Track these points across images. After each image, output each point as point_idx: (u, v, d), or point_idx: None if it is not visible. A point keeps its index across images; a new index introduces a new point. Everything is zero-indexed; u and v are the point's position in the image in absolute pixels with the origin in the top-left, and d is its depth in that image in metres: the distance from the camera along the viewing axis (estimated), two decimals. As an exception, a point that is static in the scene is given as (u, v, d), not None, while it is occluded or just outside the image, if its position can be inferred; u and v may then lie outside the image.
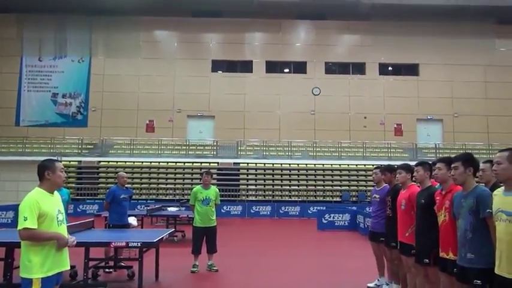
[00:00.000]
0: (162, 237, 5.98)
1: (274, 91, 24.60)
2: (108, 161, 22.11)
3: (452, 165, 3.63)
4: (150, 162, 22.05)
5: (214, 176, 20.53)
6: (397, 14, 24.52)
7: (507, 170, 2.97)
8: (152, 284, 6.31)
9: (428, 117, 24.90)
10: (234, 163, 22.20)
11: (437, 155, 21.62)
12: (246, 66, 25.29)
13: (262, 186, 21.76)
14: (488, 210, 3.15)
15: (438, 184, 4.30)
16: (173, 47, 25.10)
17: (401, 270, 5.31)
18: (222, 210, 18.35)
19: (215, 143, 23.31)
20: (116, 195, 7.40)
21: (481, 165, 4.01)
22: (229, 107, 24.22)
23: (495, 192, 3.15)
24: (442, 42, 25.30)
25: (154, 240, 5.66)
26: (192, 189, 7.75)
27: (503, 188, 3.07)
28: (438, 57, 24.97)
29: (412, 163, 5.12)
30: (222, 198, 19.02)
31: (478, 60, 24.98)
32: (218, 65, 25.39)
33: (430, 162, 4.76)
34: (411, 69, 25.54)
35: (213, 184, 7.80)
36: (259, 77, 24.92)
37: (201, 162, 21.96)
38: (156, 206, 13.58)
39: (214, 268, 7.25)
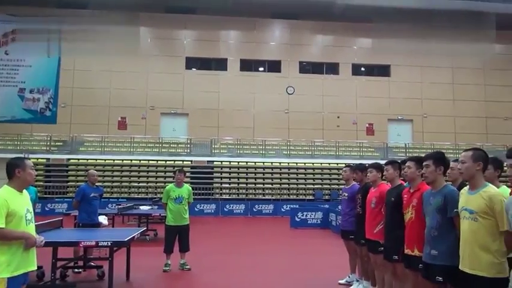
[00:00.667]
0: (134, 236, 5.89)
1: (248, 89, 24.63)
2: (78, 159, 21.58)
3: (424, 163, 3.71)
4: (122, 160, 21.66)
5: (188, 174, 20.37)
6: (370, 16, 24.99)
7: (471, 169, 3.09)
8: (123, 284, 6.21)
9: (399, 117, 25.53)
10: (207, 161, 22.10)
11: (407, 154, 22.18)
12: (220, 64, 25.19)
13: (236, 185, 21.76)
14: (455, 210, 3.25)
15: (407, 182, 4.41)
16: (146, 43, 24.70)
17: (370, 267, 5.43)
18: (195, 209, 18.25)
19: (189, 141, 23.13)
20: (86, 193, 7.24)
21: (452, 164, 4.14)
22: (204, 105, 24.08)
23: (461, 191, 3.27)
24: (413, 45, 25.94)
25: (125, 239, 5.57)
26: (165, 187, 7.68)
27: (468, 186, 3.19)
28: (409, 59, 25.62)
29: (383, 162, 5.23)
30: (196, 197, 18.95)
31: (446, 63, 25.79)
32: (192, 62, 25.18)
33: (400, 161, 4.88)
34: (383, 70, 26.11)
35: (186, 182, 7.76)
36: (234, 75, 24.89)
37: (175, 160, 21.74)
38: (128, 205, 13.37)
39: (187, 267, 7.21)
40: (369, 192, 5.20)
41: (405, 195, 4.16)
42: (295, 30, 25.48)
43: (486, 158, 3.14)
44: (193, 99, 24.17)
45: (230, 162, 22.26)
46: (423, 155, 3.89)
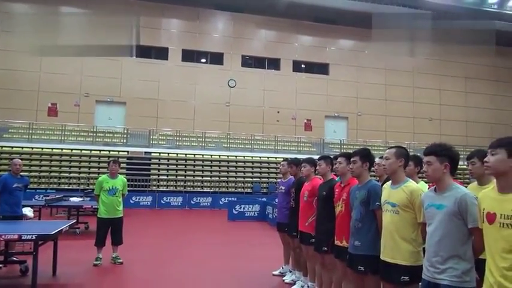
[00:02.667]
0: (61, 229, 5.61)
1: (189, 80, 24.27)
2: (2, 146, 19.96)
3: (351, 159, 3.91)
4: (52, 148, 20.37)
5: (124, 165, 19.71)
6: (312, 15, 25.71)
7: (393, 165, 3.31)
8: (49, 280, 5.89)
9: (336, 114, 26.56)
10: (145, 152, 21.50)
11: (342, 150, 23.16)
12: (161, 53, 24.53)
13: (174, 177, 21.41)
14: (377, 203, 3.47)
15: (338, 177, 4.62)
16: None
17: (302, 258, 5.63)
18: (130, 201, 17.71)
19: (125, 131, 22.31)
20: (8, 183, 6.73)
21: (377, 160, 4.41)
22: (142, 94, 23.35)
23: (384, 185, 3.50)
24: (350, 45, 27.20)
25: (52, 232, 5.29)
26: (98, 178, 7.38)
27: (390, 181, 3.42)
28: (346, 59, 26.74)
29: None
30: (132, 189, 18.50)
31: (380, 64, 27.23)
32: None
33: (332, 156, 5.08)
34: (322, 69, 26.96)
35: (121, 174, 7.51)
36: (175, 65, 24.37)
37: (110, 151, 20.88)
38: (57, 196, 12.64)
39: (119, 260, 7.00)
40: (303, 186, 5.38)
41: (336, 189, 4.35)
42: (239, 23, 25.47)
43: (407, 155, 3.39)
44: (132, 87, 23.32)
45: (168, 153, 21.85)
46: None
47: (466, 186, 3.45)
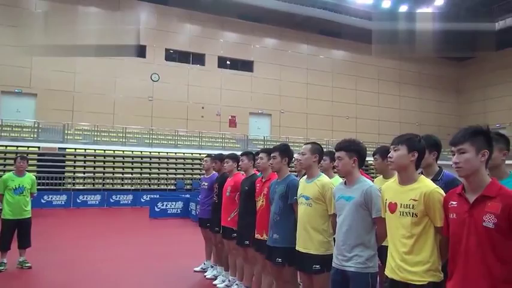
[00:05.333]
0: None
1: (109, 73, 23.07)
2: None
3: (271, 155, 4.03)
4: None
5: (34, 162, 18.23)
6: (237, 12, 25.88)
7: (309, 160, 3.49)
8: None
9: (260, 111, 27.06)
10: (59, 148, 20.02)
11: (265, 147, 23.60)
12: (77, 43, 22.98)
13: (92, 174, 20.27)
14: (295, 198, 3.63)
15: (260, 172, 4.73)
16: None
17: (224, 253, 5.68)
18: (42, 200, 16.44)
19: (36, 125, 20.58)
20: None
21: (296, 156, 4.57)
22: (56, 86, 21.70)
23: (300, 180, 3.66)
24: (274, 44, 27.88)
25: None
26: (2, 176, 6.75)
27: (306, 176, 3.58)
28: (270, 57, 27.36)
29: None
30: (44, 187, 17.22)
31: (302, 64, 28.28)
32: (44, 37, 22.40)
33: (254, 152, 5.18)
34: (247, 66, 27.26)
35: (32, 171, 6.94)
36: (93, 57, 22.98)
37: (18, 146, 19.14)
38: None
39: (27, 265, 6.47)
40: (226, 181, 5.42)
41: (258, 184, 4.47)
42: (162, 16, 24.76)
43: (321, 151, 3.59)
44: (44, 78, 21.54)
45: (86, 149, 20.58)
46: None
47: (373, 180, 3.75)
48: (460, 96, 34.14)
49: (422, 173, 2.90)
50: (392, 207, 2.54)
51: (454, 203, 2.21)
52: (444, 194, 2.38)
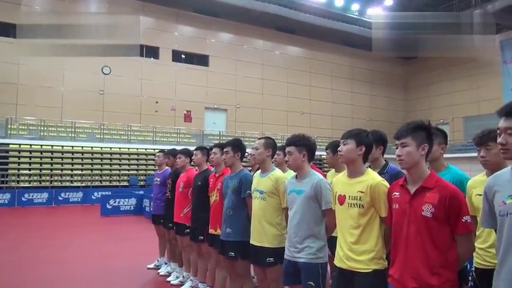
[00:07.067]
0: None
1: (57, 65, 21.92)
2: None
3: (224, 150, 4.03)
4: None
5: (-27, 158, 17.08)
6: (192, 5, 25.52)
7: (262, 155, 3.53)
8: None
9: (215, 106, 26.91)
10: (1, 143, 18.88)
11: (221, 142, 23.61)
12: (21, 32, 21.67)
13: (38, 171, 19.29)
14: (248, 192, 3.66)
15: (213, 168, 4.71)
16: None
17: (178, 249, 5.63)
18: (-18, 200, 15.47)
19: (-24, 119, 19.28)
20: None
21: (249, 150, 4.60)
22: (-2, 78, 20.40)
23: (254, 174, 3.70)
24: (229, 39, 27.77)
25: None
26: None
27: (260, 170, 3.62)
28: (225, 51, 27.22)
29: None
30: (-17, 185, 16.07)
31: (257, 59, 28.40)
32: (-17, 25, 20.96)
33: (208, 147, 5.16)
34: (202, 60, 26.97)
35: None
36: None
37: (-46, 142, 17.87)
38: None
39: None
40: (179, 177, 5.36)
41: (211, 179, 4.46)
42: (113, 6, 23.84)
43: (275, 146, 3.64)
44: (-17, 69, 20.18)
45: (31, 145, 19.55)
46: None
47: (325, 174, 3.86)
48: (408, 93, 35.79)
49: (370, 167, 3.02)
50: (341, 199, 2.63)
51: (397, 193, 2.32)
52: (389, 186, 2.50)
